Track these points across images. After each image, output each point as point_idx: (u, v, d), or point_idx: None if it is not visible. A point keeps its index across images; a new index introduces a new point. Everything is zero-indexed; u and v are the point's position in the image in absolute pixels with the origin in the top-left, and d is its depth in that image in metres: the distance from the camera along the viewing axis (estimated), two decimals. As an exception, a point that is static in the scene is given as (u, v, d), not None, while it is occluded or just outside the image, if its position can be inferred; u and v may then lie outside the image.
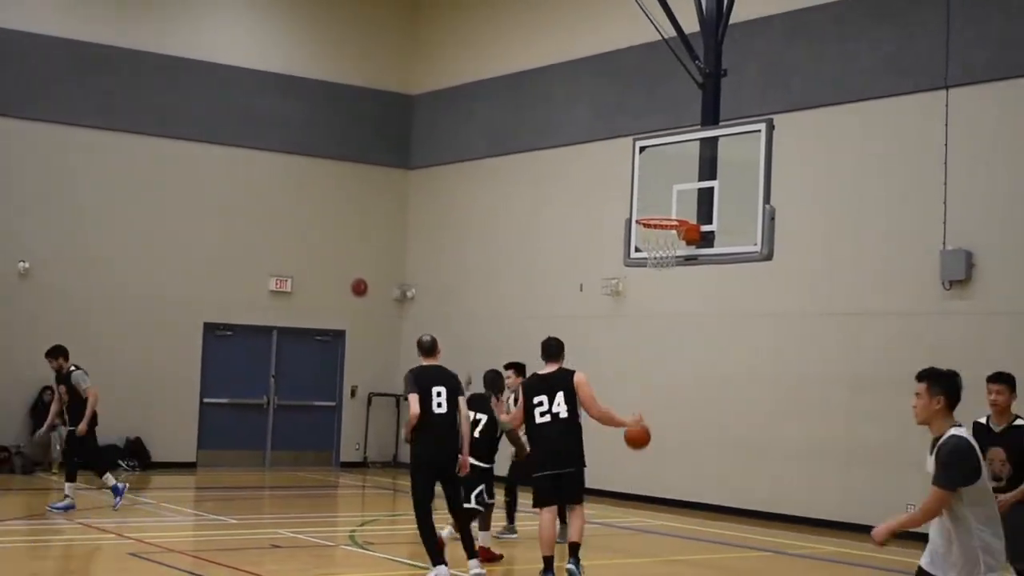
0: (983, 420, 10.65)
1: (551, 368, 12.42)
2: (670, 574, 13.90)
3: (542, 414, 12.12)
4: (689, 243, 13.43)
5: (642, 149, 14.29)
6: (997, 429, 10.55)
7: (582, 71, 22.76)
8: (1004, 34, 16.84)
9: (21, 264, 22.48)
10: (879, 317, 17.80)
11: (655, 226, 13.52)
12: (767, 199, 12.90)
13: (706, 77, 14.46)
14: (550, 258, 23.04)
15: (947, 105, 17.11)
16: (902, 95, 17.81)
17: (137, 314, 23.24)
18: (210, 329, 24.37)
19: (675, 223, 13.36)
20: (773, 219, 12.89)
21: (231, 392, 24.20)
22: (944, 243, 16.99)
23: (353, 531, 15.65)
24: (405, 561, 13.22)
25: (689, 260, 13.89)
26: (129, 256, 23.48)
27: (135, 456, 23.06)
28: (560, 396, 12.16)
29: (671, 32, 14.91)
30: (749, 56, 19.10)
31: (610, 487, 20.68)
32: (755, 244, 12.95)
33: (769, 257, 13.06)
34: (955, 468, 7.05)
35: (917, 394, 7.51)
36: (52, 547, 13.75)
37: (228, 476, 21.97)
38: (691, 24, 15.00)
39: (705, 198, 13.41)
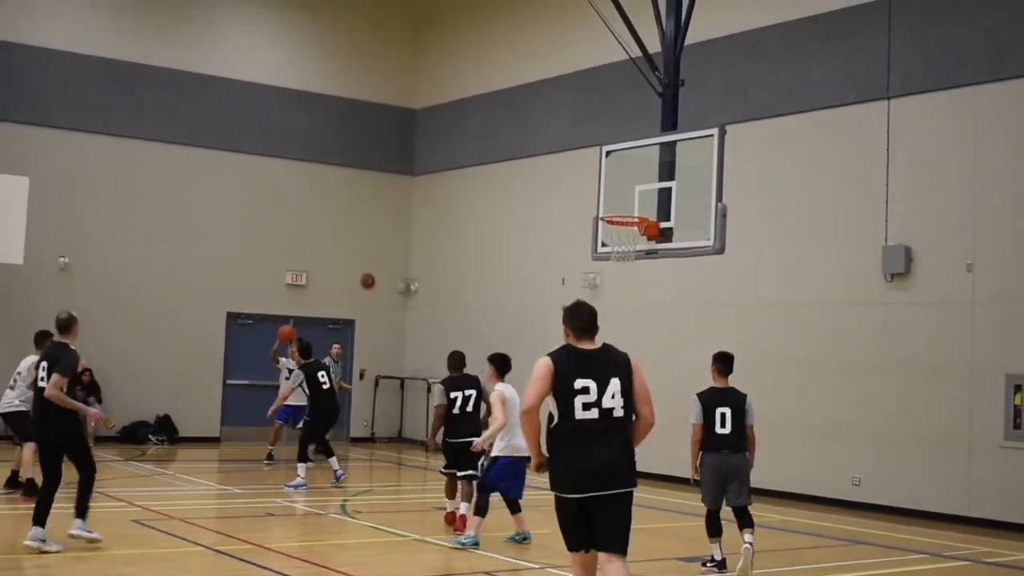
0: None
1: (592, 344, 7.62)
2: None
3: (586, 406, 7.33)
4: (649, 239, 13.20)
5: (608, 153, 14.05)
6: None
7: (563, 86, 22.56)
8: (938, 50, 16.59)
9: (61, 259, 22.28)
10: (827, 306, 17.52)
11: (618, 223, 13.30)
12: (720, 198, 12.64)
13: (665, 88, 14.28)
14: (536, 254, 22.83)
15: (888, 114, 16.91)
16: (847, 105, 17.57)
17: (166, 305, 23.04)
18: (232, 318, 24.18)
19: (636, 220, 13.10)
20: (725, 216, 12.62)
21: (251, 374, 23.85)
22: (886, 239, 16.74)
23: (346, 500, 15.30)
24: (384, 528, 12.85)
25: (649, 254, 13.66)
26: (160, 253, 23.35)
27: (164, 431, 22.85)
28: (617, 383, 7.42)
29: (637, 51, 14.75)
30: (710, 71, 18.99)
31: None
32: (708, 239, 12.67)
33: (721, 251, 12.80)
34: None
35: None
36: (64, 513, 13.33)
37: (246, 450, 21.63)
38: (655, 44, 14.80)
39: (664, 197, 13.19)
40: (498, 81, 24.22)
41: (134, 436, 22.31)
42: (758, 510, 16.14)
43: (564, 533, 7.40)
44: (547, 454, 7.37)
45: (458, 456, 13.06)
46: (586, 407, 7.28)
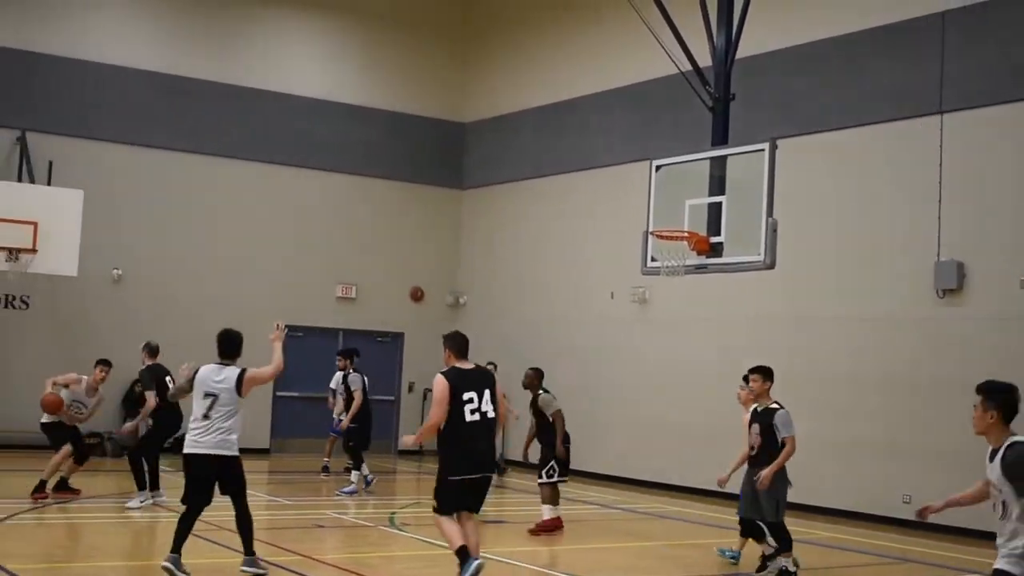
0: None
1: (468, 364, 9.97)
2: (675, 556, 13.37)
3: (472, 411, 9.64)
4: (699, 253, 13.11)
5: (658, 167, 13.99)
6: (759, 410, 11.57)
7: (613, 100, 22.50)
8: (994, 64, 16.41)
9: (115, 271, 22.47)
10: (878, 322, 17.32)
11: (668, 238, 13.23)
12: (770, 212, 12.52)
13: (716, 102, 14.18)
14: (585, 268, 22.77)
15: (942, 129, 16.71)
16: (900, 120, 17.38)
17: (216, 316, 22.92)
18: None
19: (686, 235, 13.01)
20: (775, 231, 12.50)
21: (301, 387, 23.88)
22: (938, 255, 16.54)
23: (394, 513, 15.26)
24: (430, 541, 12.74)
25: (699, 269, 13.58)
26: (211, 265, 23.51)
27: (215, 442, 22.87)
28: (487, 395, 9.78)
29: (688, 65, 14.68)
30: (761, 85, 18.87)
31: (636, 476, 20.30)
32: (759, 254, 12.56)
33: (772, 266, 12.68)
34: None
35: (975, 406, 7.12)
36: (116, 523, 13.42)
37: (295, 461, 21.68)
38: (706, 58, 14.73)
39: (714, 212, 13.11)
40: (548, 95, 24.19)
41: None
42: (807, 527, 16.03)
43: (446, 502, 9.77)
44: (441, 447, 9.83)
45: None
46: (471, 412, 9.64)
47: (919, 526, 16.05)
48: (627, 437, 20.97)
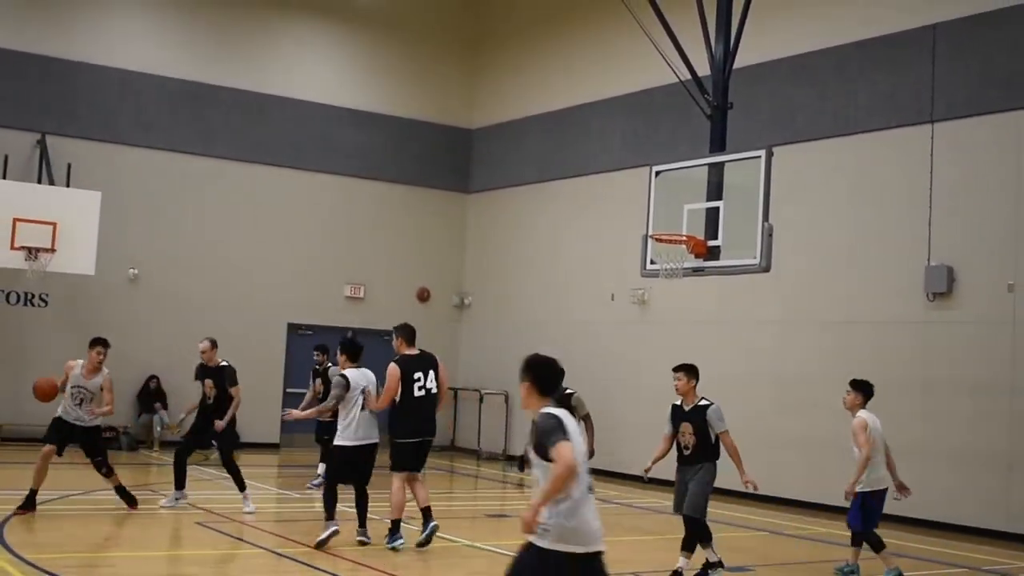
0: (677, 401, 11.53)
1: (415, 351, 12.18)
2: (672, 549, 13.36)
3: (419, 388, 11.95)
4: (697, 256, 13.15)
5: (657, 173, 14.03)
6: (687, 408, 11.41)
7: (615, 108, 22.52)
8: (982, 75, 16.41)
9: (131, 271, 22.53)
10: (870, 324, 17.34)
11: (667, 241, 13.28)
12: (766, 217, 12.57)
13: (714, 110, 14.20)
14: (586, 270, 22.79)
15: (932, 138, 16.72)
16: (892, 128, 17.40)
17: (229, 314, 23.17)
18: (293, 328, 24.31)
19: (685, 238, 13.05)
20: (771, 235, 12.56)
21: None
22: (928, 259, 16.55)
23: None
24: (440, 534, 12.77)
25: (697, 271, 13.62)
26: (224, 265, 23.57)
27: (226, 437, 22.92)
28: (432, 374, 12.05)
29: (687, 74, 14.69)
30: (758, 94, 18.90)
31: (635, 472, 20.30)
32: (755, 258, 12.61)
33: (767, 269, 12.74)
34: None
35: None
36: (132, 514, 13.43)
37: (304, 456, 21.71)
38: (705, 67, 14.75)
39: (712, 217, 13.15)
40: (551, 102, 24.23)
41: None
42: (802, 523, 16.06)
43: (401, 463, 11.92)
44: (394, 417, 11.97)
45: None
46: (419, 389, 11.91)
47: (911, 522, 16.09)
48: (625, 434, 20.98)
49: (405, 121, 25.84)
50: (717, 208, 13.10)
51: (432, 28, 26.45)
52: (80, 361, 13.50)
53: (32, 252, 19.29)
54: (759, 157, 12.67)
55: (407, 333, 12.30)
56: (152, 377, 22.45)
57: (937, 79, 16.79)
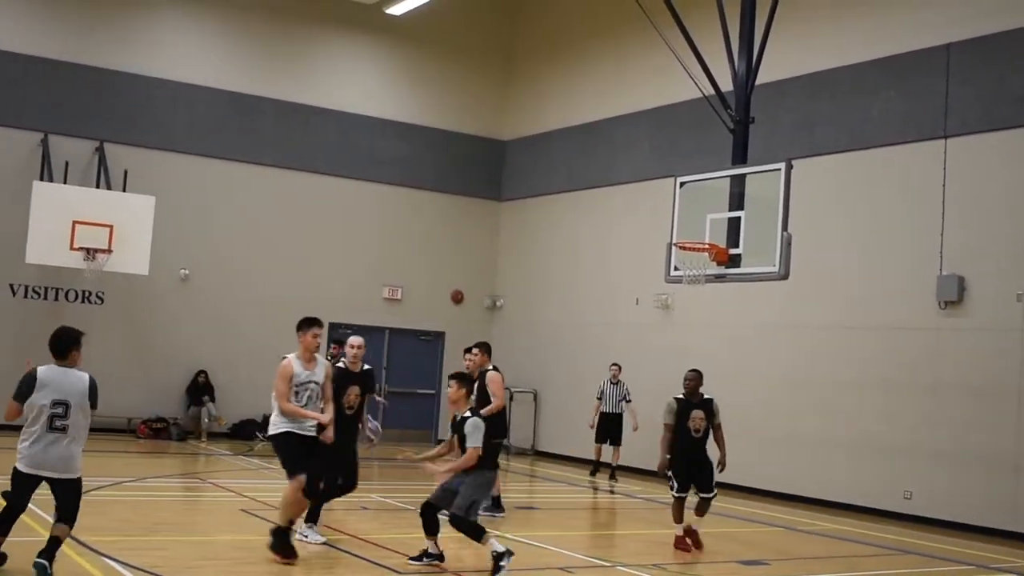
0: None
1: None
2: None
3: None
4: (719, 264, 13.10)
5: (682, 184, 13.98)
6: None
7: (642, 121, 22.52)
8: (993, 93, 16.34)
9: (182, 271, 22.69)
10: (883, 330, 17.26)
11: (690, 248, 13.23)
12: (785, 227, 12.51)
13: (736, 124, 14.12)
14: (613, 276, 22.80)
15: (945, 152, 16.68)
16: (907, 143, 17.34)
17: (273, 314, 23.20)
18: (333, 328, 24.26)
19: (706, 246, 13.02)
20: (790, 245, 12.49)
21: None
22: (940, 269, 16.48)
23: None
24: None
25: (718, 278, 13.56)
26: (269, 267, 23.70)
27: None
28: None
29: (711, 90, 14.66)
30: (779, 109, 18.84)
31: (653, 468, 20.23)
32: (774, 265, 12.56)
33: (786, 277, 12.67)
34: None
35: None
36: (179, 501, 13.51)
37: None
38: (728, 83, 14.69)
39: (734, 226, 13.10)
40: (581, 116, 24.24)
41: (243, 433, 22.56)
42: (815, 519, 15.98)
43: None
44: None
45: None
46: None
47: (921, 520, 16.01)
48: (649, 432, 20.93)
49: (442, 132, 25.91)
50: (739, 218, 13.05)
51: (468, 44, 26.51)
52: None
53: (90, 253, 19.48)
54: (779, 169, 12.63)
55: (490, 350, 13.92)
56: (201, 372, 22.59)
57: (950, 96, 16.71)
